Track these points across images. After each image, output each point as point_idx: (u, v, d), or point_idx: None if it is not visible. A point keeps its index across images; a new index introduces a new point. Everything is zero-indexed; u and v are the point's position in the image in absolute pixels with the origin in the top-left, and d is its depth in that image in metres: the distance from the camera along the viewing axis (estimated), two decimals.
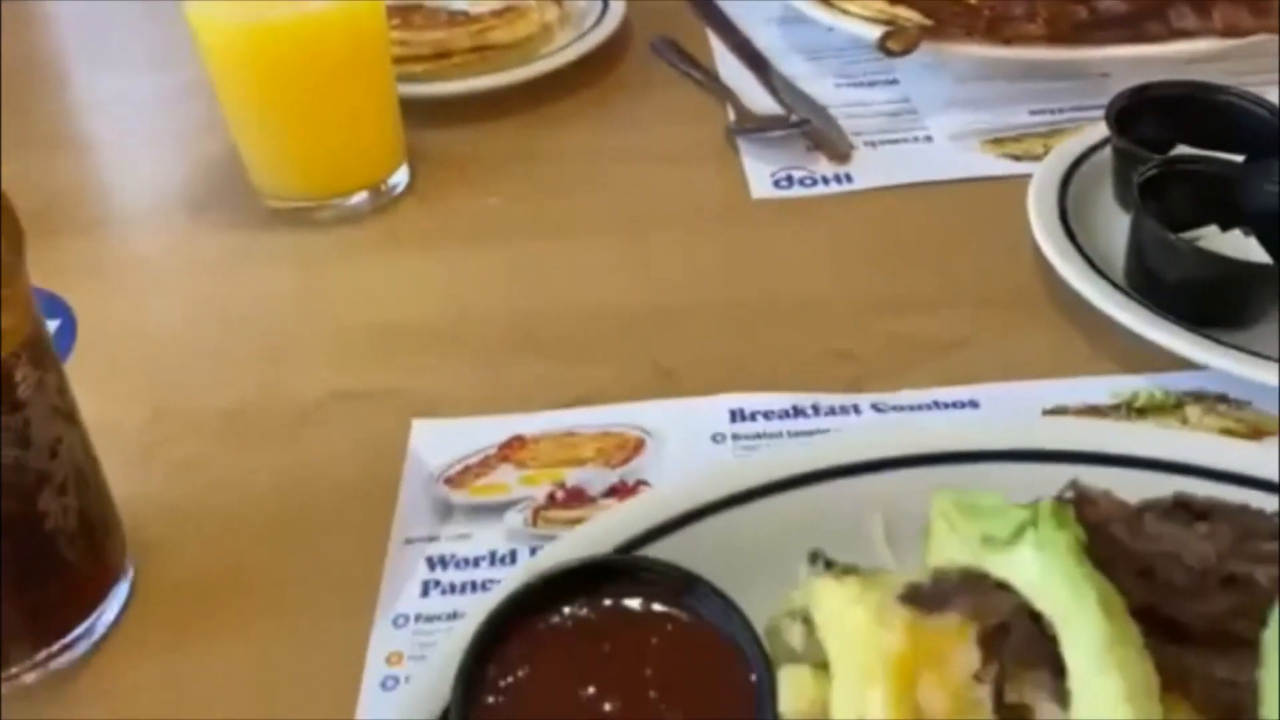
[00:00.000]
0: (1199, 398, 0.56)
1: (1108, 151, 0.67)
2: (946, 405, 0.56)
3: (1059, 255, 0.61)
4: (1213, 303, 0.57)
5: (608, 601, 0.39)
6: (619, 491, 0.53)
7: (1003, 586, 0.34)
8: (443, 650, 0.40)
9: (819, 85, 0.84)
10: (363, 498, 0.54)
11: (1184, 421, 0.55)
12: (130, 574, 0.49)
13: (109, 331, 0.65)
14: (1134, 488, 0.37)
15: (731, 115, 0.81)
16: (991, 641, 0.33)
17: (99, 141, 0.87)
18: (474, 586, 0.49)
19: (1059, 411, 0.55)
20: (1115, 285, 0.59)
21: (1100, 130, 0.68)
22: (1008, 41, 0.77)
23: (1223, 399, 0.56)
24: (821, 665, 0.35)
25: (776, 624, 0.38)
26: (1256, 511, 0.37)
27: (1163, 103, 0.67)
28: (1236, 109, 0.66)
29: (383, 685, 0.45)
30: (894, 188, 0.74)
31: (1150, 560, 0.34)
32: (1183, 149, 0.65)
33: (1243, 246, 0.59)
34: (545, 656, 0.38)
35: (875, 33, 0.79)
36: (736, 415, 0.57)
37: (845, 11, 0.84)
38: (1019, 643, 0.32)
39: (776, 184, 0.75)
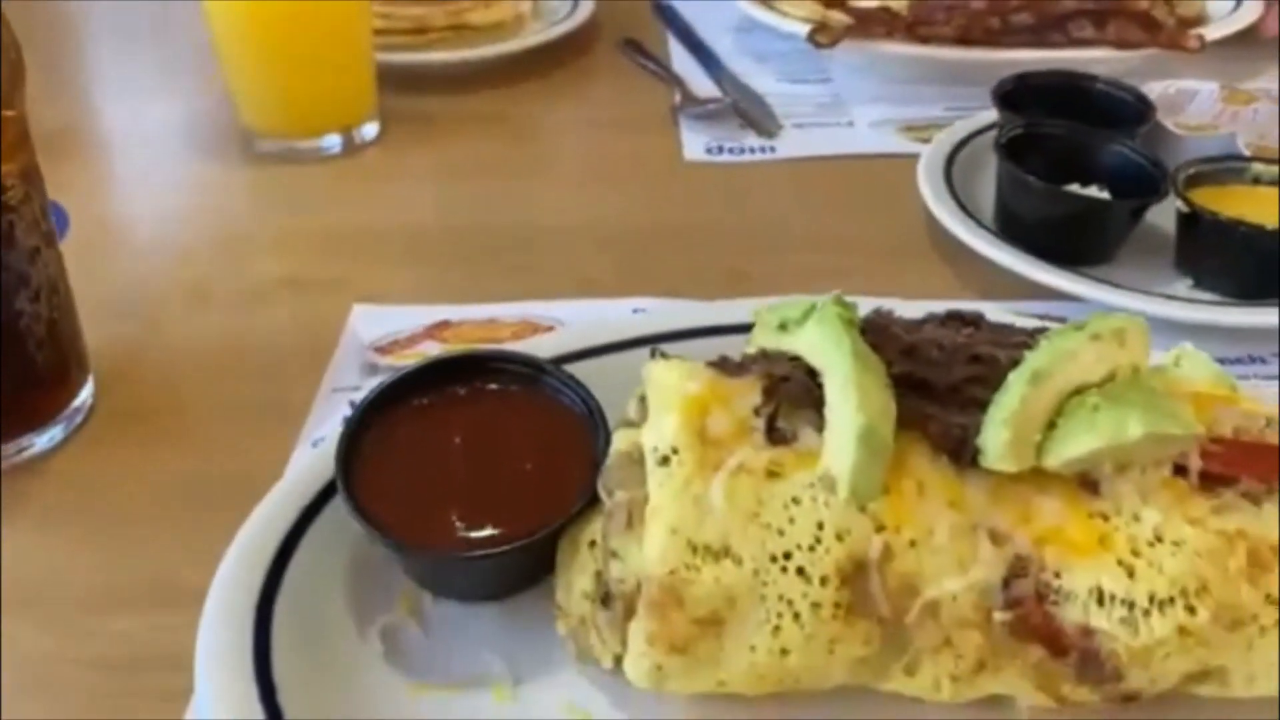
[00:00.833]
0: (1045, 320, 0.63)
1: (994, 131, 0.75)
2: None
3: (935, 201, 0.69)
4: (1062, 239, 0.65)
5: (474, 386, 0.46)
6: None
7: (794, 358, 0.41)
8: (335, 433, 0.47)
9: (761, 80, 0.94)
10: (302, 357, 0.61)
11: None
12: (90, 389, 0.57)
13: (97, 229, 0.73)
14: None
15: (677, 97, 0.90)
16: (772, 389, 0.40)
17: (108, 81, 0.97)
18: None
19: None
20: (984, 227, 0.67)
21: (991, 116, 0.76)
22: (924, 41, 0.87)
23: (1060, 321, 0.63)
24: None
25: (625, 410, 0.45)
26: (1015, 326, 0.44)
27: (1042, 88, 0.76)
28: (1102, 93, 0.75)
29: None
30: (812, 158, 0.83)
31: (915, 343, 0.41)
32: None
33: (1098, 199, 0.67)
34: (415, 426, 0.45)
35: (806, 29, 0.88)
36: (639, 313, 0.64)
37: (785, 14, 0.94)
38: (794, 389, 0.39)
39: (708, 151, 0.84)
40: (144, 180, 0.82)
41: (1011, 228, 0.67)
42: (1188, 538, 0.37)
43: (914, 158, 0.78)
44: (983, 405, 0.39)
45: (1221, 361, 0.59)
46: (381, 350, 0.62)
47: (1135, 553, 0.37)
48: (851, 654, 0.38)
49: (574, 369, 0.50)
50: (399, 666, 0.42)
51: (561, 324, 0.64)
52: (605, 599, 0.39)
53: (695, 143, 0.84)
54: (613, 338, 0.54)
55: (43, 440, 0.54)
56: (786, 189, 0.80)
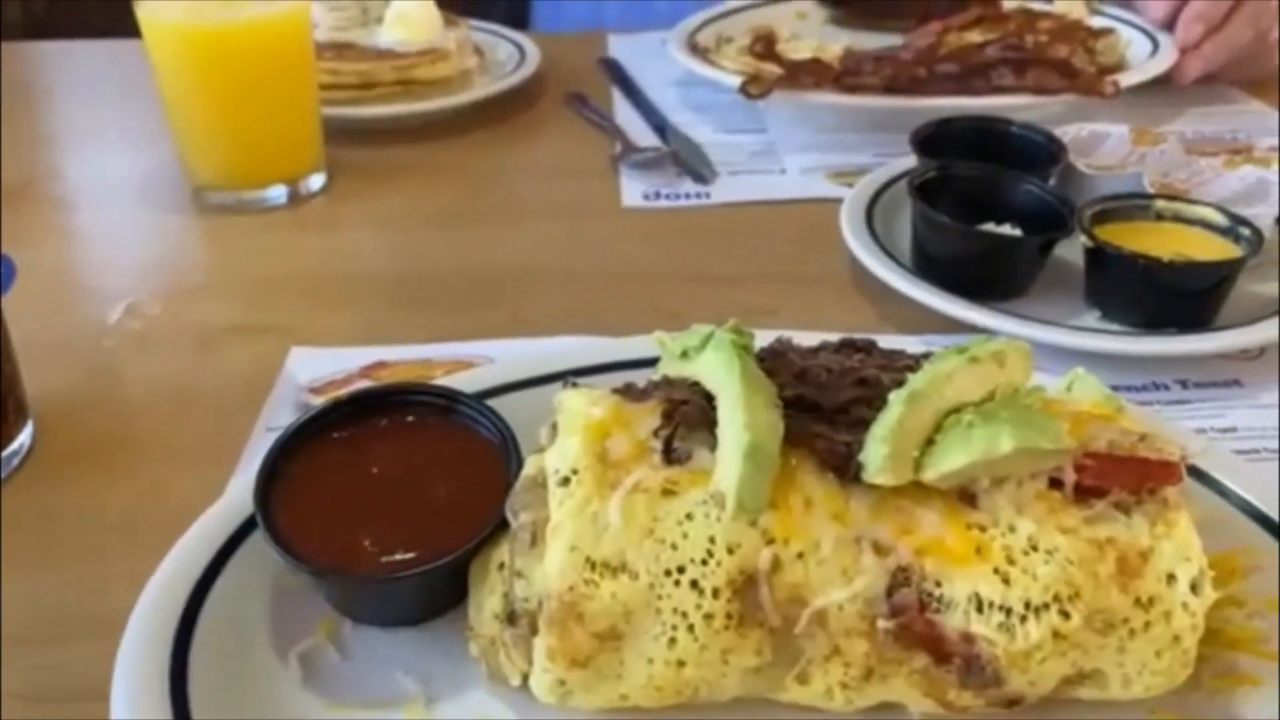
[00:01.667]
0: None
1: None
2: None
3: (856, 242, 0.72)
4: (975, 275, 0.68)
5: (391, 418, 0.48)
6: None
7: (694, 384, 0.43)
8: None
9: (699, 131, 0.97)
10: (238, 399, 0.63)
11: None
12: (30, 432, 0.58)
13: (45, 279, 0.75)
14: None
15: (618, 147, 0.93)
16: (671, 412, 0.42)
17: (59, 133, 0.99)
18: None
19: None
20: (900, 265, 0.70)
21: (912, 162, 0.79)
22: (852, 91, 0.90)
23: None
24: None
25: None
26: (904, 352, 0.46)
27: (960, 133, 0.79)
28: (1017, 136, 0.78)
29: None
30: (744, 204, 0.86)
31: (807, 368, 0.44)
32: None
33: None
34: (334, 457, 0.47)
35: (739, 81, 0.92)
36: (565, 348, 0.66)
37: (722, 67, 0.97)
38: (691, 411, 0.41)
39: (646, 197, 0.87)
40: (93, 231, 0.84)
41: (927, 265, 0.70)
42: (1060, 546, 0.40)
43: (840, 202, 0.81)
44: (867, 424, 0.41)
45: (1127, 389, 0.63)
46: (316, 391, 0.64)
47: (1011, 561, 0.39)
48: (745, 664, 0.39)
49: (498, 402, 0.52)
50: (316, 690, 0.43)
51: (494, 362, 0.66)
52: (512, 618, 0.41)
53: (633, 190, 0.87)
54: (535, 372, 0.56)
55: None
56: (719, 232, 0.82)
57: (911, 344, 0.66)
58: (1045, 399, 0.44)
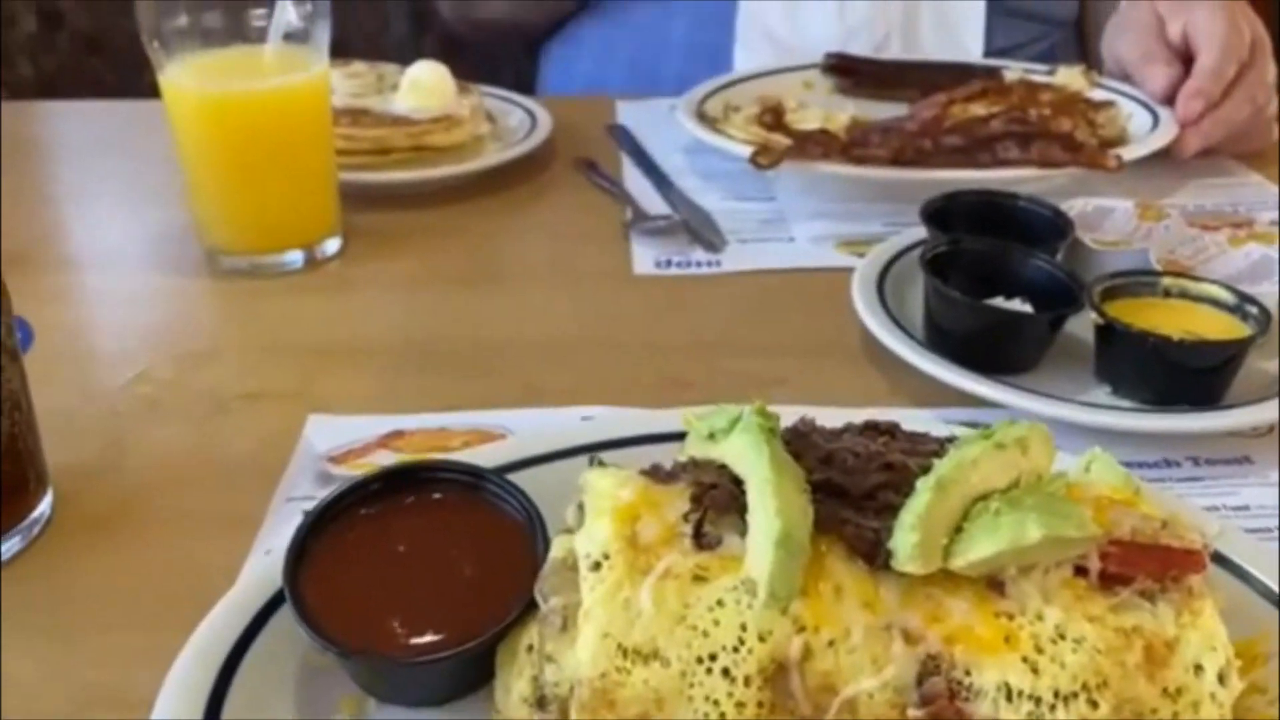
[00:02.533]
0: (972, 427, 0.67)
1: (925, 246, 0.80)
2: None
3: (868, 313, 0.73)
4: (986, 349, 0.69)
5: (419, 496, 0.48)
6: None
7: (721, 466, 0.44)
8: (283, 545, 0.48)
9: (708, 198, 0.98)
10: (258, 468, 0.63)
11: None
12: (50, 501, 0.58)
13: (60, 342, 0.75)
14: None
15: (628, 214, 0.95)
16: (700, 496, 0.42)
17: (86, 206, 0.99)
18: None
19: None
20: (914, 338, 0.71)
21: (923, 232, 0.81)
22: (860, 162, 0.92)
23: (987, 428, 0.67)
24: None
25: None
26: (929, 435, 0.47)
27: (969, 206, 0.80)
28: (1025, 210, 0.80)
29: None
30: (754, 272, 0.87)
31: (833, 451, 0.44)
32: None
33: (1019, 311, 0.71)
34: (361, 535, 0.47)
35: (749, 151, 0.93)
36: (586, 420, 0.67)
37: (731, 137, 0.99)
38: (719, 496, 0.42)
39: (657, 265, 0.87)
40: (108, 294, 0.85)
41: (939, 338, 0.71)
42: (1088, 634, 0.40)
43: (850, 271, 0.82)
44: (895, 510, 0.42)
45: (1138, 465, 0.64)
46: (335, 460, 0.64)
47: (1039, 649, 0.40)
48: None
49: (520, 476, 0.52)
50: None
51: (511, 432, 0.66)
52: (541, 702, 0.41)
53: (645, 257, 0.88)
54: (557, 446, 0.57)
55: (2, 550, 0.55)
56: (730, 301, 0.83)
57: (925, 417, 0.67)
58: (1068, 483, 0.45)
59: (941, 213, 0.80)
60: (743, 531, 0.41)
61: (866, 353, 0.74)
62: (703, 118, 1.04)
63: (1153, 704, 0.40)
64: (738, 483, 0.43)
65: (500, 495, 0.48)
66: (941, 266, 0.72)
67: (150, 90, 1.68)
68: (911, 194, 0.92)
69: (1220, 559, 0.49)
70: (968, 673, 0.39)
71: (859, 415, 0.67)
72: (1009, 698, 0.39)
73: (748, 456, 0.42)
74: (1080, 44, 1.36)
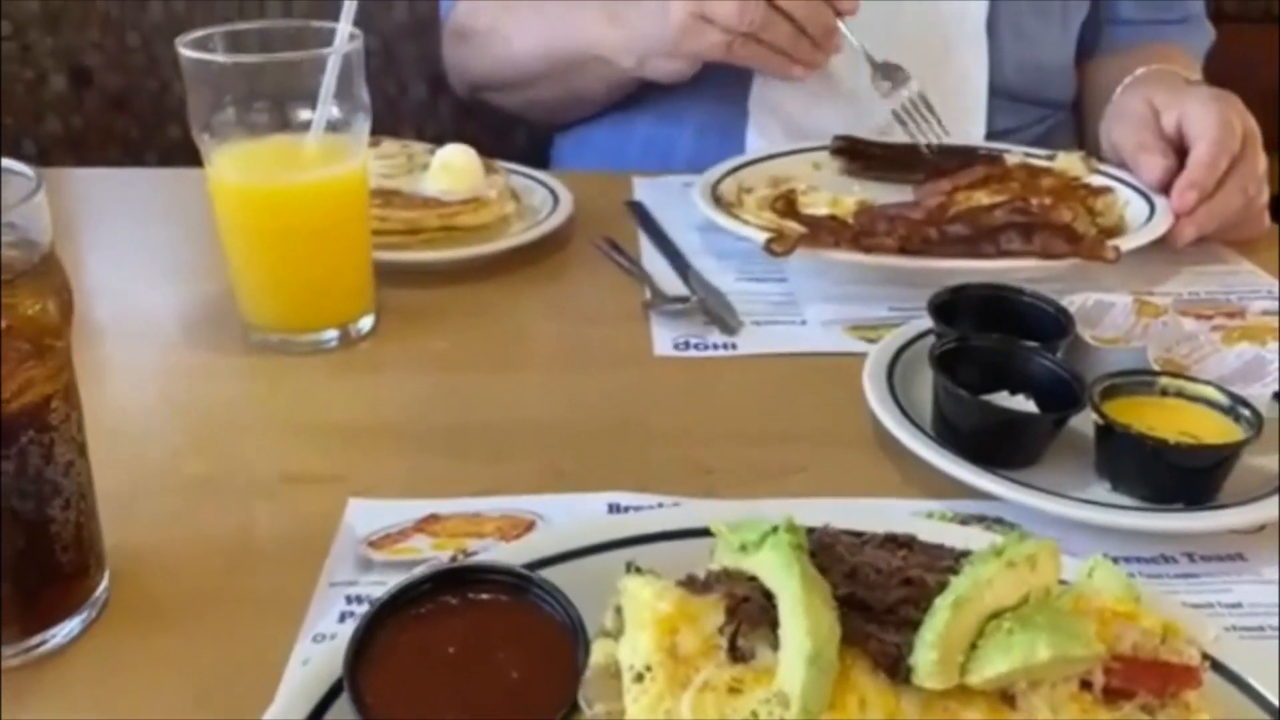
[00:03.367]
0: (980, 519, 0.70)
1: (931, 337, 0.84)
2: None
3: (880, 405, 0.77)
4: (993, 445, 0.72)
5: (466, 596, 0.51)
6: None
7: (751, 578, 0.47)
8: (341, 642, 0.52)
9: (723, 278, 1.02)
10: (300, 552, 0.66)
11: None
12: (106, 586, 0.61)
13: (105, 419, 0.78)
14: None
15: (648, 294, 0.99)
16: (734, 608, 0.46)
17: (119, 276, 1.03)
18: None
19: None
20: (923, 431, 0.75)
21: (929, 322, 0.85)
22: (869, 250, 0.96)
23: (999, 521, 0.70)
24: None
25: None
26: (944, 547, 0.51)
27: (974, 299, 0.84)
28: (1028, 305, 0.84)
29: None
30: (769, 355, 0.90)
31: (856, 565, 0.48)
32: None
33: (1024, 407, 0.75)
34: (415, 634, 0.50)
35: (764, 237, 0.97)
36: (613, 508, 0.70)
37: (745, 221, 1.03)
38: (752, 609, 0.45)
39: (676, 346, 0.91)
40: (143, 369, 0.88)
41: (948, 431, 0.74)
42: None
43: (859, 357, 0.85)
44: (914, 625, 0.45)
45: (1136, 560, 0.67)
46: (374, 545, 0.67)
47: None
48: None
49: (553, 571, 0.56)
50: None
51: (541, 518, 0.70)
52: None
53: (664, 338, 0.92)
54: (589, 541, 0.60)
55: (61, 634, 0.58)
56: (746, 385, 0.87)
57: (936, 507, 0.71)
58: (1074, 596, 0.48)
59: (947, 306, 0.84)
60: (774, 644, 0.45)
61: (878, 441, 0.78)
62: (717, 200, 1.08)
63: None
64: (768, 595, 0.46)
65: (543, 598, 0.51)
66: (950, 361, 0.76)
67: (173, 144, 1.73)
68: (917, 280, 0.97)
69: (1217, 665, 0.52)
70: None
71: (874, 506, 0.71)
72: None
73: (779, 573, 0.45)
74: (1077, 124, 1.41)
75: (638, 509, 0.70)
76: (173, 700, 0.56)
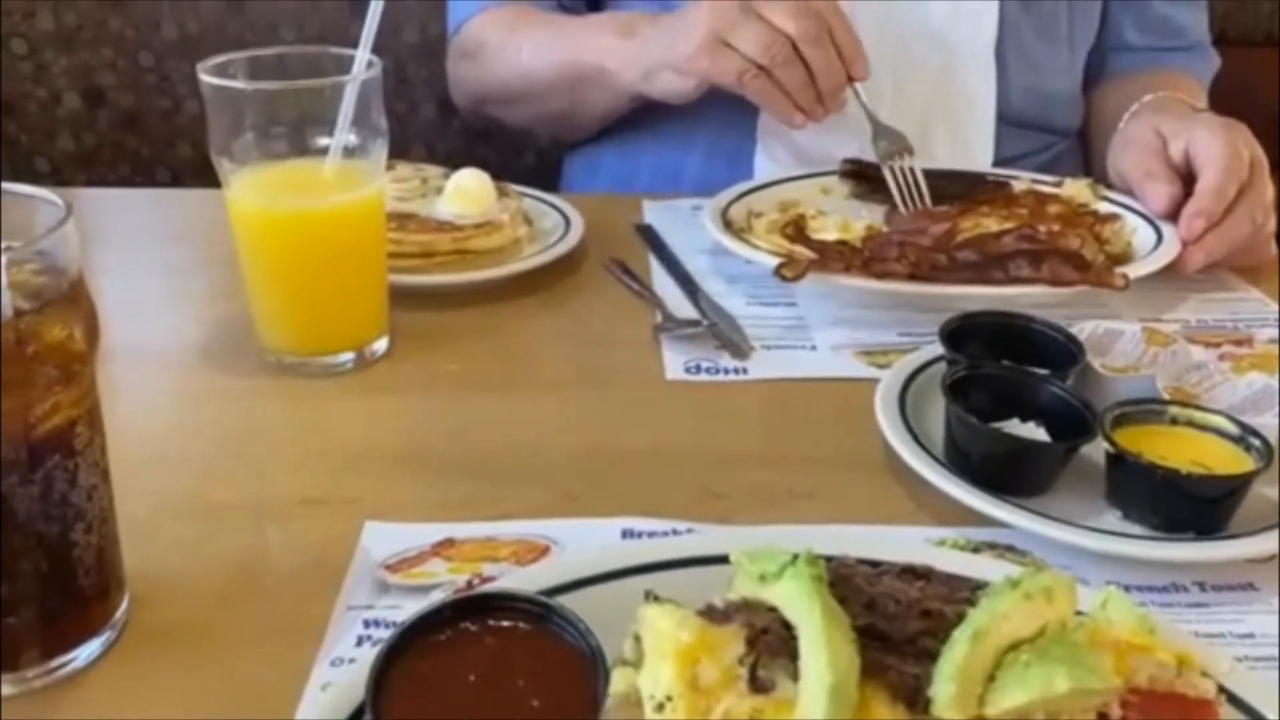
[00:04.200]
0: (992, 546, 0.71)
1: (942, 363, 0.84)
2: None
3: (892, 431, 0.77)
4: (1004, 473, 0.73)
5: (487, 623, 0.52)
6: None
7: (771, 609, 0.48)
8: (359, 666, 0.52)
9: (732, 302, 1.03)
10: (318, 576, 0.67)
11: None
12: (125, 608, 0.62)
13: (124, 443, 0.79)
14: None
15: (658, 317, 0.99)
16: (754, 639, 0.46)
17: (133, 297, 1.03)
18: None
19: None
20: (935, 458, 0.75)
21: (940, 348, 0.85)
22: (879, 276, 0.97)
23: (1010, 548, 0.71)
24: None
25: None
26: (961, 577, 0.51)
27: (984, 326, 0.85)
28: (1038, 333, 0.84)
29: None
30: (780, 380, 0.91)
31: (875, 596, 0.48)
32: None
33: (1035, 434, 0.76)
34: (436, 661, 0.51)
35: (774, 262, 0.98)
36: (627, 533, 0.71)
37: (755, 245, 1.04)
38: (772, 640, 0.46)
39: (687, 370, 0.92)
40: (157, 391, 0.88)
41: (959, 458, 0.75)
42: None
43: (870, 382, 0.86)
44: (933, 656, 0.46)
45: (1147, 589, 0.67)
46: (391, 568, 0.68)
47: None
48: None
49: (569, 597, 0.56)
50: None
51: (555, 542, 0.70)
52: None
53: (675, 362, 0.93)
54: (605, 568, 0.61)
55: (82, 656, 0.59)
56: (758, 410, 0.88)
57: (948, 534, 0.71)
58: (1090, 628, 0.49)
59: (958, 333, 0.85)
60: (794, 674, 0.45)
61: (890, 467, 0.78)
62: (727, 224, 1.09)
63: None
64: (787, 626, 0.47)
65: (564, 626, 0.52)
66: (961, 388, 0.76)
67: (184, 162, 1.75)
68: (926, 305, 0.97)
69: (1231, 698, 0.52)
70: None
71: (888, 534, 0.72)
72: None
73: (799, 605, 0.46)
74: (1084, 151, 1.42)
75: (651, 535, 0.71)
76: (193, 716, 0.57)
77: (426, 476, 0.77)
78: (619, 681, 0.48)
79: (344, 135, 0.82)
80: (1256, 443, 0.71)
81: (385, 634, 0.62)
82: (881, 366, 0.92)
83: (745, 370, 0.92)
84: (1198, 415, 0.74)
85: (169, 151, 1.71)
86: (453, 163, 1.12)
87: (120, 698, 0.58)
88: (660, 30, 1.18)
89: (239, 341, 0.92)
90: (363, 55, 0.82)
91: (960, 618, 0.47)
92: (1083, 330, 0.85)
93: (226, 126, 0.82)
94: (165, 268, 1.09)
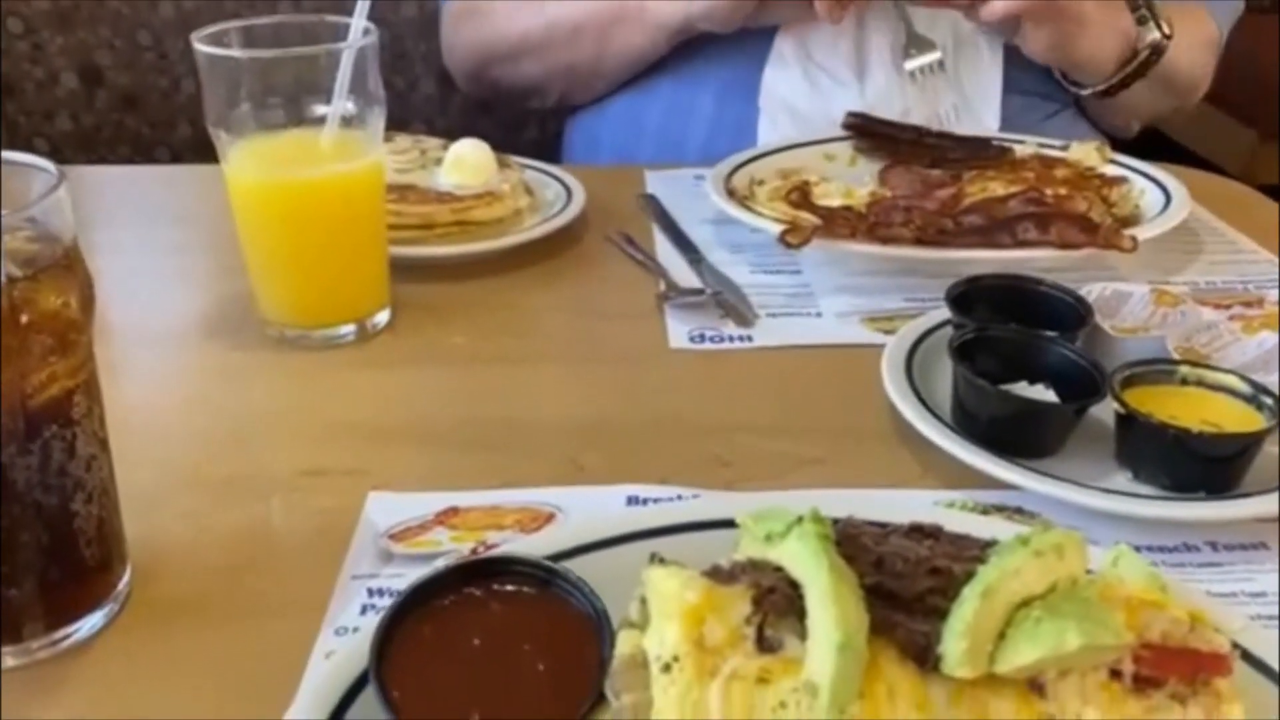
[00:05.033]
0: (1001, 509, 0.70)
1: (948, 328, 0.83)
2: None
3: (899, 395, 0.76)
4: (1013, 435, 0.72)
5: (491, 588, 0.51)
6: None
7: (777, 568, 0.47)
8: (364, 635, 0.52)
9: (737, 270, 1.02)
10: (322, 545, 0.67)
11: None
12: (128, 580, 0.61)
13: (128, 418, 0.78)
14: None
15: (662, 286, 0.98)
16: (761, 599, 0.45)
17: (135, 274, 1.02)
18: None
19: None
20: (942, 421, 0.74)
21: (946, 312, 0.84)
22: (884, 241, 0.96)
23: (1019, 510, 0.70)
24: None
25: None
26: (970, 537, 0.50)
27: (991, 289, 0.84)
28: (1046, 295, 0.83)
29: None
30: (785, 348, 0.90)
31: (883, 555, 0.47)
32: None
33: (1044, 397, 0.75)
34: (441, 625, 0.50)
35: (779, 229, 0.97)
36: (632, 500, 0.70)
37: (759, 213, 1.03)
38: (779, 599, 0.45)
39: (691, 339, 0.91)
40: (159, 366, 0.88)
41: (967, 421, 0.74)
42: None
43: (876, 348, 0.84)
44: (942, 614, 0.45)
45: (1159, 549, 0.67)
46: (394, 537, 0.67)
47: None
48: None
49: (575, 562, 0.56)
50: None
51: (560, 510, 0.70)
52: None
53: (679, 331, 0.92)
54: (611, 533, 0.60)
55: (85, 627, 0.58)
56: (763, 377, 0.87)
57: (957, 498, 0.71)
58: (1101, 585, 0.48)
59: (965, 296, 0.84)
60: (801, 634, 0.44)
61: (898, 433, 0.77)
62: (730, 193, 1.08)
63: None
64: (794, 585, 0.46)
65: (568, 589, 0.51)
66: (969, 351, 0.76)
67: (184, 141, 1.73)
68: (932, 270, 0.96)
69: (1245, 654, 0.52)
70: None
71: (895, 497, 0.71)
72: None
73: (806, 563, 0.45)
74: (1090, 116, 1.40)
75: (657, 501, 0.70)
76: (197, 692, 0.56)
77: (429, 448, 0.77)
78: (624, 644, 0.47)
79: (341, 103, 0.81)
80: (1268, 401, 0.70)
81: (387, 602, 0.61)
82: (888, 332, 0.90)
83: (750, 338, 0.92)
84: (1208, 374, 0.73)
85: (169, 131, 1.70)
86: (453, 138, 1.11)
87: (124, 669, 0.58)
88: None
89: (241, 316, 0.91)
90: (358, 23, 0.81)
91: (969, 575, 0.46)
92: (1090, 292, 0.84)
93: (222, 97, 0.81)
94: (167, 244, 1.09)
